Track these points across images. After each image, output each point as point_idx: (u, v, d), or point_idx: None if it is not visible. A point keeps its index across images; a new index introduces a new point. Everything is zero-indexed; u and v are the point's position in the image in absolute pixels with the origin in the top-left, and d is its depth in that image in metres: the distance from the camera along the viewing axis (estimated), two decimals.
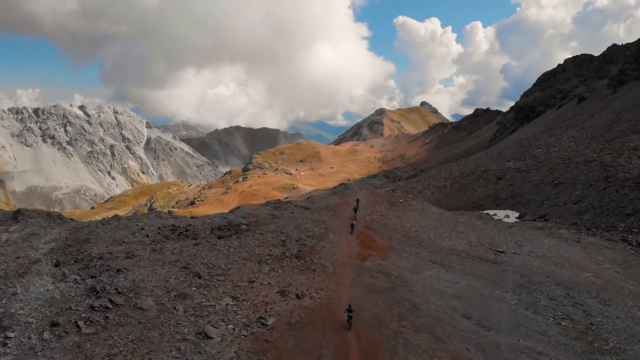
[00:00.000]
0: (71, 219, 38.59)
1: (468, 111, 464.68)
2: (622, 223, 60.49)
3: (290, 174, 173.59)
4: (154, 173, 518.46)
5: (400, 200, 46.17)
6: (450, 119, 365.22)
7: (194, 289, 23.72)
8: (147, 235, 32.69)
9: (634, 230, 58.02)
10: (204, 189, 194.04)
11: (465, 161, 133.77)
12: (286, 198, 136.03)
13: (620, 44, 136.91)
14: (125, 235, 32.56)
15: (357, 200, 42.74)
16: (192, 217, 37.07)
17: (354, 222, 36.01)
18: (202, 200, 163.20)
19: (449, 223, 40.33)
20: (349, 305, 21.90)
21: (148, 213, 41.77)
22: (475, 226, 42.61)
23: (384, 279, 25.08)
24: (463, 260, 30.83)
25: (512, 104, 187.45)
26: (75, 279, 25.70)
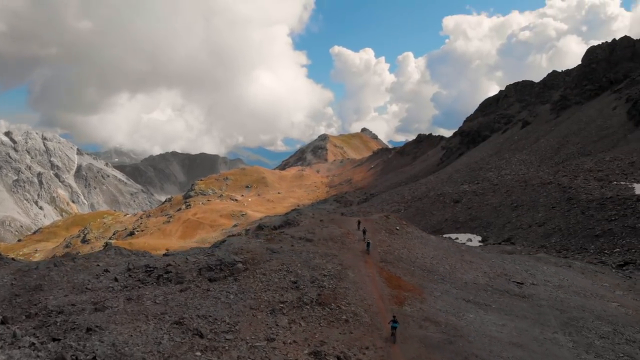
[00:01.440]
0: (13, 259, 31.41)
1: (402, 138, 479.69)
2: (592, 245, 60.45)
3: (236, 200, 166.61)
4: (85, 202, 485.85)
5: (397, 228, 42.77)
6: (388, 145, 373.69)
7: (198, 354, 18.06)
8: (116, 279, 26.46)
9: (606, 251, 57.97)
10: (142, 218, 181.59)
11: (416, 185, 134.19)
12: (235, 225, 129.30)
13: (560, 71, 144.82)
14: (87, 280, 26.21)
15: (359, 222, 43.63)
16: (167, 254, 31.13)
17: (370, 241, 35.26)
18: (142, 231, 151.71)
19: (453, 251, 37.24)
20: (394, 316, 20.86)
21: (105, 250, 35.16)
22: (476, 254, 39.92)
23: (435, 328, 20.81)
24: (493, 296, 27.50)
25: (444, 130, 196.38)
26: (33, 344, 19.23)
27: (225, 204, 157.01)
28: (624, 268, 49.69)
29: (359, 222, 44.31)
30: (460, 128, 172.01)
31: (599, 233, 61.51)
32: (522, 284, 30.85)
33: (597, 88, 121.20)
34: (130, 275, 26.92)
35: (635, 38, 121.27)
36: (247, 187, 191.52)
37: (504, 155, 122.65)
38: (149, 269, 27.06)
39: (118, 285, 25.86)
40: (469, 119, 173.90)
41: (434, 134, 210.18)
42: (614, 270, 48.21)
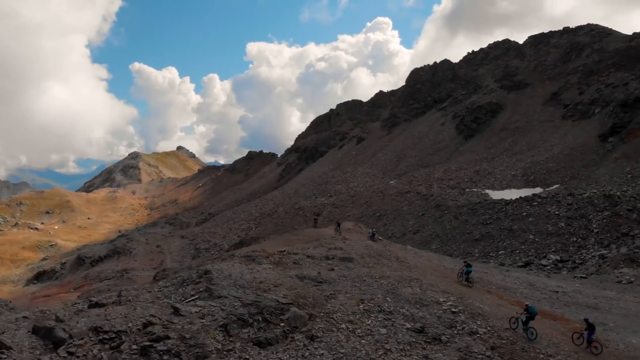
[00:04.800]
0: None
1: (212, 159, 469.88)
2: (475, 249, 60.94)
3: (36, 228, 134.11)
4: None
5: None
6: (204, 164, 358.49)
7: None
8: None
9: (491, 254, 58.72)
10: None
11: (261, 201, 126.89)
12: (45, 259, 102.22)
13: (386, 91, 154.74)
14: None
15: (338, 224, 44.68)
16: (93, 305, 16.75)
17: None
18: None
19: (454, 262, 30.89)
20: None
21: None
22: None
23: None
24: (583, 309, 21.77)
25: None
26: None
27: (25, 234, 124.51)
28: (527, 268, 49.73)
29: (338, 224, 44.61)
30: (294, 144, 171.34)
31: (479, 237, 62.41)
32: (557, 292, 25.67)
33: (423, 106, 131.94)
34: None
35: (454, 62, 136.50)
36: (47, 212, 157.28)
37: (346, 169, 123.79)
38: (106, 337, 13.69)
39: None
40: (301, 136, 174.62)
41: (239, 156, 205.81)
42: (535, 271, 47.64)
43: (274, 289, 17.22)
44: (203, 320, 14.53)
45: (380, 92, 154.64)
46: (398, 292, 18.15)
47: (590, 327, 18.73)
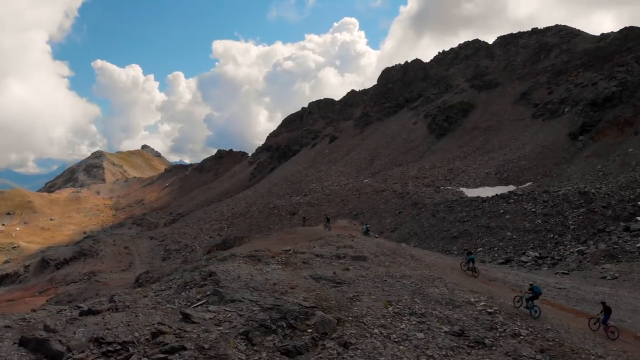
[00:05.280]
0: None
1: (177, 158, 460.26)
2: (453, 246, 60.77)
3: None
4: None
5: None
6: (170, 163, 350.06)
7: None
8: None
9: (470, 251, 58.97)
10: None
11: (233, 200, 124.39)
12: (7, 261, 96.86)
13: (358, 90, 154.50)
14: None
15: (327, 219, 45.15)
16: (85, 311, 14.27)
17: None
18: None
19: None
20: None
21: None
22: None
23: None
24: (596, 305, 21.14)
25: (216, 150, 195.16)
26: None
27: None
28: (508, 265, 49.77)
29: (327, 219, 44.95)
30: (265, 143, 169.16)
31: (457, 234, 62.35)
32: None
33: (395, 106, 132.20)
34: None
35: (425, 61, 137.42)
36: (8, 213, 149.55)
37: (319, 167, 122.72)
38: (110, 349, 11.65)
39: None
40: (273, 135, 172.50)
41: (205, 155, 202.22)
42: (517, 267, 47.67)
43: (291, 291, 15.76)
44: (220, 328, 12.80)
45: (352, 91, 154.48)
46: (425, 292, 16.97)
47: (607, 310, 18.53)
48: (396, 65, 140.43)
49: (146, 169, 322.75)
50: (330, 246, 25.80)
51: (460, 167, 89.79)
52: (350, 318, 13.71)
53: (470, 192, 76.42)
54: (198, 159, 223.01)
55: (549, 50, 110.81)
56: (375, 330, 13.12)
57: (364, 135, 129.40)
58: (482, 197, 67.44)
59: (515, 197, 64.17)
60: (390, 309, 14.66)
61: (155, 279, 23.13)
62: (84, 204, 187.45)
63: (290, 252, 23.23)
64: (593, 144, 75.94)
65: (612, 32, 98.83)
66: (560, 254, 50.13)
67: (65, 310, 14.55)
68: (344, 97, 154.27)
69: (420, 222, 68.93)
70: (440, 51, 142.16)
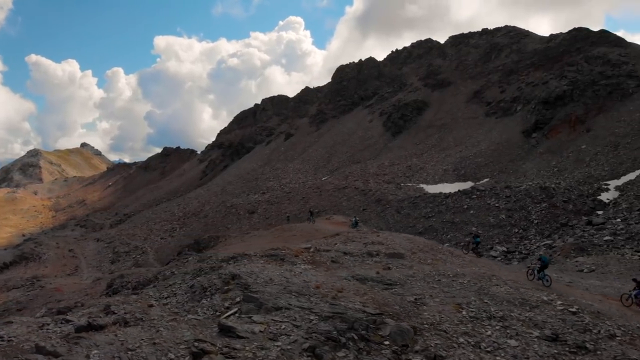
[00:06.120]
0: None
1: (116, 157, 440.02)
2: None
3: None
4: None
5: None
6: (111, 162, 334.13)
7: None
8: None
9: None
10: None
11: (184, 200, 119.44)
12: None
13: (312, 87, 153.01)
14: None
15: (310, 212, 47.38)
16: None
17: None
18: None
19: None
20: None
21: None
22: None
23: None
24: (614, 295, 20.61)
25: (159, 149, 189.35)
26: None
27: None
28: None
29: (311, 213, 46.19)
30: (217, 140, 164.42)
31: (422, 230, 62.13)
32: None
33: (351, 103, 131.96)
34: None
35: (379, 60, 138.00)
36: None
37: (275, 165, 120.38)
38: None
39: None
40: (224, 132, 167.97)
41: (146, 154, 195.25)
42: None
43: (342, 296, 13.56)
44: (278, 343, 10.30)
45: (307, 88, 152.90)
46: (490, 292, 15.28)
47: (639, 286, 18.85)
48: (350, 63, 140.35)
49: (86, 168, 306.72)
50: (354, 242, 23.93)
51: (419, 164, 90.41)
52: (426, 326, 11.85)
53: (431, 189, 76.84)
54: (138, 158, 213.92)
55: (500, 50, 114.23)
56: (461, 339, 11.35)
57: (320, 133, 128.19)
58: (445, 193, 67.79)
59: (478, 193, 64.87)
60: (463, 313, 12.95)
61: (138, 284, 20.32)
62: (20, 204, 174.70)
63: (311, 250, 21.15)
64: (546, 141, 78.49)
65: (561, 33, 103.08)
66: (527, 248, 50.80)
67: (48, 324, 11.72)
68: (299, 94, 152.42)
69: (386, 219, 68.42)
70: (394, 50, 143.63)
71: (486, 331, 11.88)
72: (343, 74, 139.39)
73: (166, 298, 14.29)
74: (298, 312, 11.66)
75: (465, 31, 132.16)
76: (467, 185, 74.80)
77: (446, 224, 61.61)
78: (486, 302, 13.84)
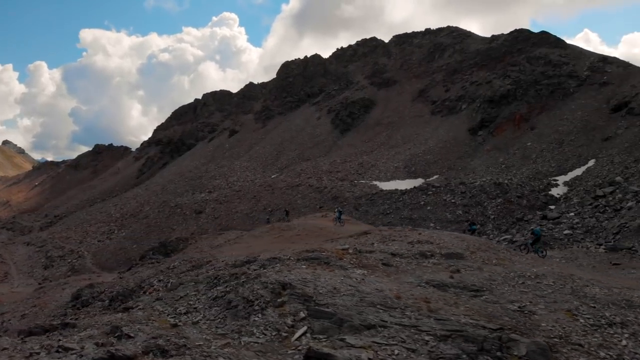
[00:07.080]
0: None
1: (39, 156, 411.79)
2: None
3: None
4: None
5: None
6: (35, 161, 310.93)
7: None
8: None
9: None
10: None
11: (121, 200, 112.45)
12: None
13: (256, 83, 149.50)
14: None
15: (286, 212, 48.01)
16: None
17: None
18: None
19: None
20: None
21: None
22: None
23: None
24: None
25: (85, 147, 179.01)
26: None
27: None
28: None
29: (286, 212, 46.68)
30: (153, 137, 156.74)
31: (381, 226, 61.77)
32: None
33: (297, 100, 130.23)
34: None
35: (325, 57, 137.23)
36: None
37: (221, 162, 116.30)
38: None
39: None
40: (162, 128, 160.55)
41: (72, 152, 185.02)
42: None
43: (435, 307, 11.66)
44: None
45: (251, 83, 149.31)
46: (585, 293, 14.03)
47: None
48: (296, 59, 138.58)
49: (8, 167, 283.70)
50: (396, 242, 21.92)
51: (370, 162, 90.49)
52: (555, 340, 10.43)
53: (384, 185, 77.02)
54: (63, 157, 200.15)
55: (443, 50, 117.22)
56: (601, 353, 10.02)
57: (266, 130, 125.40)
58: (401, 190, 68.02)
59: (434, 189, 65.56)
60: (581, 321, 11.66)
61: (117, 296, 17.48)
62: None
63: (350, 251, 19.15)
64: (492, 139, 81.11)
65: (502, 34, 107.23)
66: None
67: (38, 354, 9.02)
68: (242, 90, 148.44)
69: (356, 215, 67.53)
70: (339, 47, 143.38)
71: (620, 341, 10.80)
72: (289, 70, 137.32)
73: (185, 314, 11.90)
74: (401, 331, 9.77)
75: (400, 32, 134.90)
76: (419, 182, 75.71)
77: (404, 220, 61.54)
78: (593, 307, 12.80)
